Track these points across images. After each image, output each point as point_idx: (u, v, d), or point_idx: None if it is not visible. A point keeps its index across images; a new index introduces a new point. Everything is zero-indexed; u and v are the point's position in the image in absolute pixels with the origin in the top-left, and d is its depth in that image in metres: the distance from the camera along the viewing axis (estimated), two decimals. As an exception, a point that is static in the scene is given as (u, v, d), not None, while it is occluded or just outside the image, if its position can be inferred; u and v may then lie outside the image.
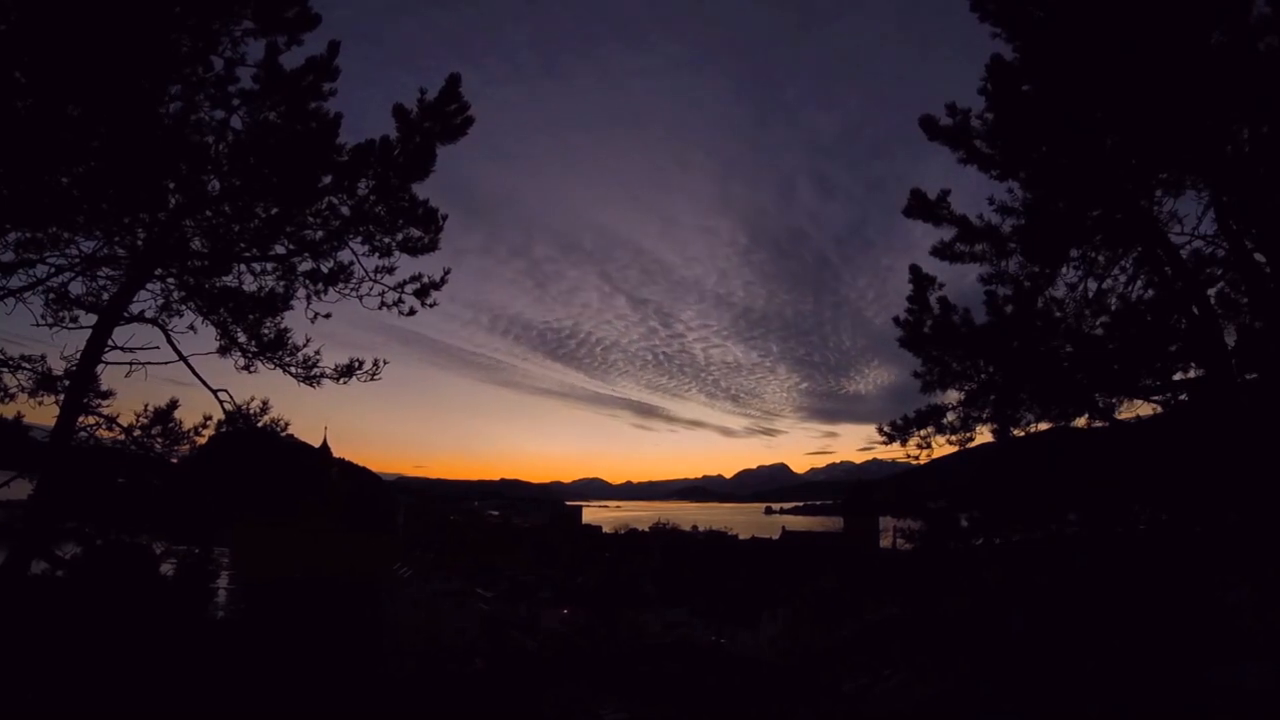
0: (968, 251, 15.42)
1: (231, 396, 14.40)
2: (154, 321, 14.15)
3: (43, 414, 13.66)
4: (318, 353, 14.67)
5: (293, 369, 14.69)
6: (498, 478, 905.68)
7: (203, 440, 14.79)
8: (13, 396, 13.67)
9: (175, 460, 15.23)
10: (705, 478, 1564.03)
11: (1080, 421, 15.24)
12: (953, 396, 15.84)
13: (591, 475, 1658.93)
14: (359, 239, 14.39)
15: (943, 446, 15.99)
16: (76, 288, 13.82)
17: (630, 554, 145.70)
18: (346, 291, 14.55)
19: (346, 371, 14.71)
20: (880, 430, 16.24)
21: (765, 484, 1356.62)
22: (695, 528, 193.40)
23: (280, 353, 14.65)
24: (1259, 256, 13.06)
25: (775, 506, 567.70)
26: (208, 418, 14.67)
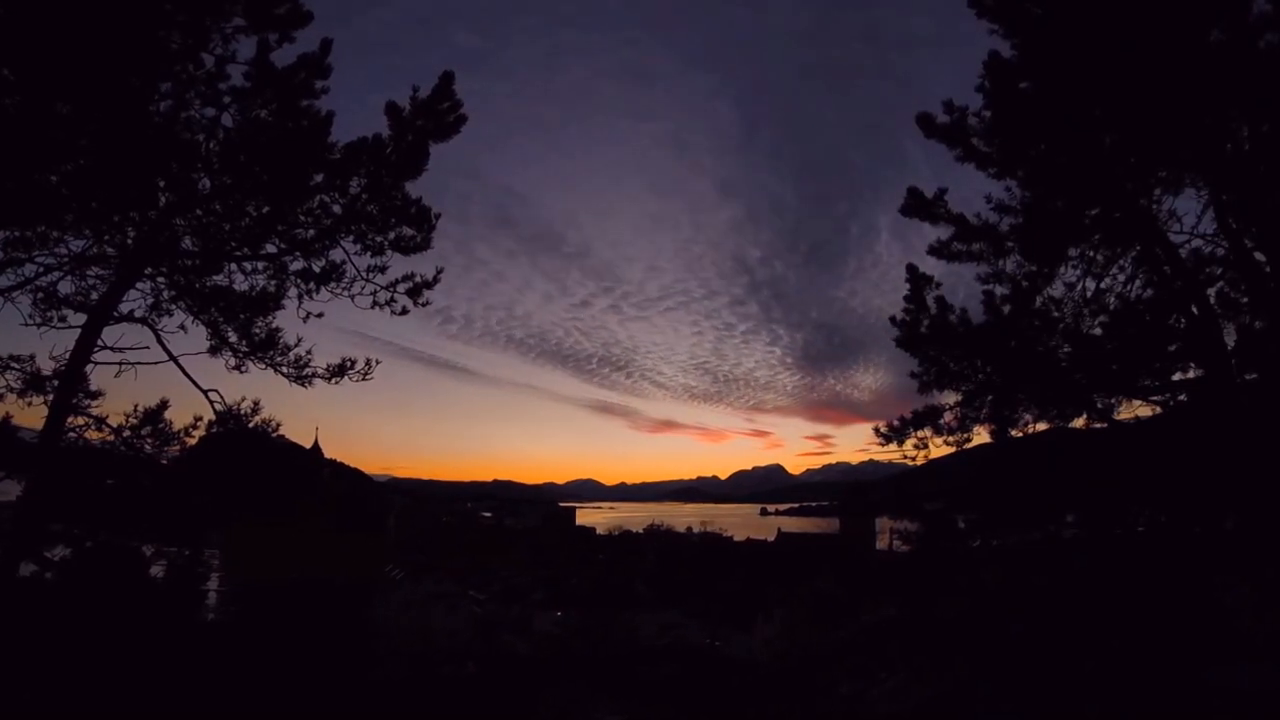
0: (965, 250, 15.35)
1: (222, 397, 14.36)
2: (144, 321, 14.09)
3: (31, 415, 13.59)
4: (309, 352, 14.62)
5: (284, 369, 14.62)
6: (491, 478, 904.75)
7: (193, 441, 14.71)
8: (1, 397, 13.60)
9: (165, 461, 15.12)
10: (700, 479, 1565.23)
11: (1079, 422, 15.19)
12: (950, 397, 15.79)
13: (585, 476, 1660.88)
14: (351, 238, 14.31)
15: (940, 447, 15.94)
16: (65, 287, 13.77)
17: (624, 555, 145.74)
18: (338, 291, 14.44)
19: (338, 371, 14.64)
20: (877, 431, 16.18)
21: (760, 485, 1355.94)
22: (690, 529, 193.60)
23: (271, 352, 14.59)
24: (1259, 255, 13.01)
25: (771, 508, 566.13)
26: (198, 418, 14.60)
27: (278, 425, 14.75)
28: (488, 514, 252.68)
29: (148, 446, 14.47)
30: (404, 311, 14.79)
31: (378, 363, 14.73)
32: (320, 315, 14.50)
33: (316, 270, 14.41)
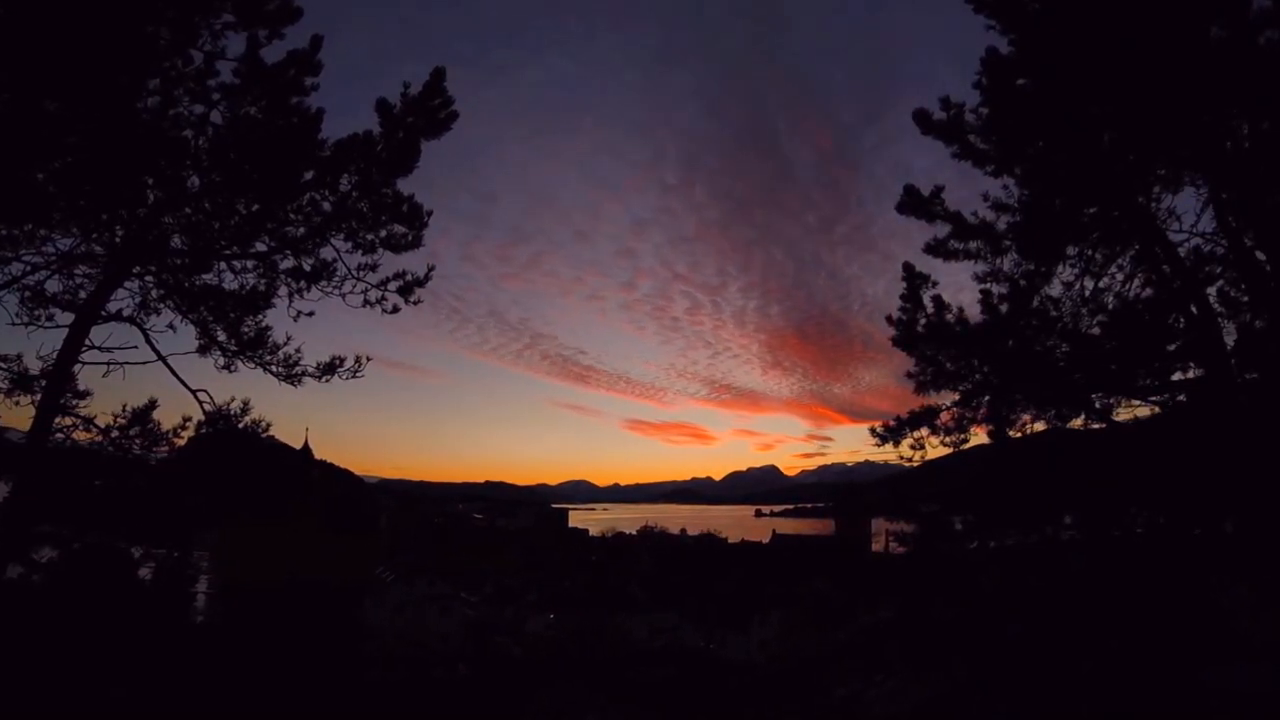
0: (962, 249, 15.28)
1: (211, 397, 14.23)
2: (132, 320, 13.96)
3: (19, 415, 13.46)
4: (299, 351, 14.49)
5: (273, 368, 14.50)
6: (482, 479, 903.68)
7: (182, 441, 14.56)
8: (-11, 398, 13.46)
9: (154, 462, 15.00)
10: (694, 480, 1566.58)
11: (1077, 423, 15.14)
12: (947, 397, 15.69)
13: (578, 477, 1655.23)
14: (341, 236, 14.22)
15: (936, 448, 15.85)
16: (53, 286, 13.63)
17: (618, 557, 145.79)
18: (329, 289, 14.37)
19: (328, 369, 14.51)
20: (873, 432, 16.10)
21: (755, 486, 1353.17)
22: (684, 531, 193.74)
23: (261, 351, 14.45)
24: (1259, 254, 12.96)
25: (765, 509, 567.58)
26: (187, 419, 14.43)
27: (267, 426, 14.63)
28: (479, 515, 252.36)
29: (136, 447, 14.34)
30: (395, 310, 14.71)
31: (368, 360, 14.60)
32: (311, 314, 14.42)
33: (307, 268, 14.31)
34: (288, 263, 14.37)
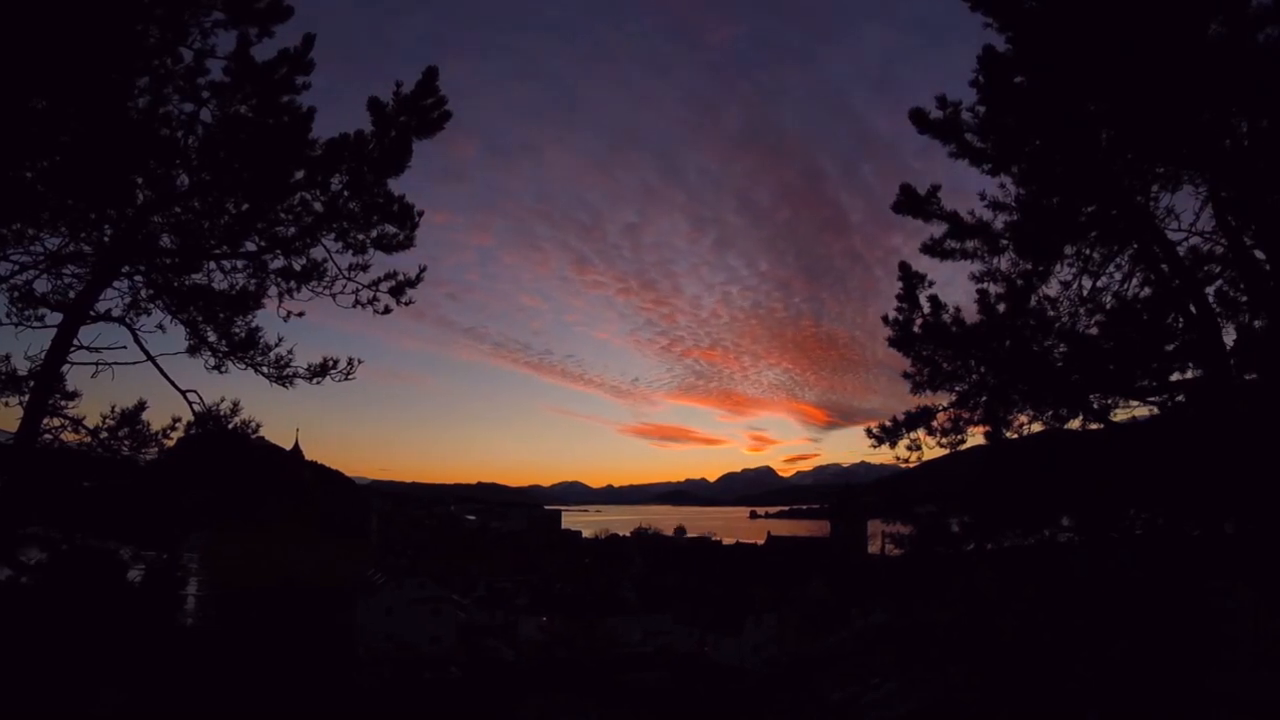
0: (959, 248, 15.19)
1: (201, 398, 14.10)
2: (121, 320, 13.84)
3: (7, 416, 13.35)
4: (290, 352, 14.39)
5: (264, 369, 14.40)
6: (474, 481, 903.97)
7: (171, 443, 14.45)
8: (-24, 398, 13.34)
9: (143, 463, 14.88)
10: (688, 481, 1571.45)
11: (1075, 423, 15.06)
12: (943, 398, 15.59)
13: (572, 479, 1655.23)
14: (332, 236, 14.12)
15: (933, 449, 15.75)
16: (41, 285, 13.51)
17: (611, 560, 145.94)
18: (320, 290, 14.29)
19: (320, 371, 14.41)
20: (869, 433, 16.01)
21: (750, 488, 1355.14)
22: (678, 532, 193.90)
23: (251, 352, 14.36)
24: (1258, 253, 12.87)
25: (760, 511, 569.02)
26: (176, 420, 14.35)
27: (258, 427, 14.56)
28: (471, 517, 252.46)
29: (125, 448, 14.22)
30: (386, 310, 14.64)
31: (360, 362, 14.54)
32: (301, 315, 14.33)
33: (297, 269, 14.24)
34: (278, 263, 14.31)
